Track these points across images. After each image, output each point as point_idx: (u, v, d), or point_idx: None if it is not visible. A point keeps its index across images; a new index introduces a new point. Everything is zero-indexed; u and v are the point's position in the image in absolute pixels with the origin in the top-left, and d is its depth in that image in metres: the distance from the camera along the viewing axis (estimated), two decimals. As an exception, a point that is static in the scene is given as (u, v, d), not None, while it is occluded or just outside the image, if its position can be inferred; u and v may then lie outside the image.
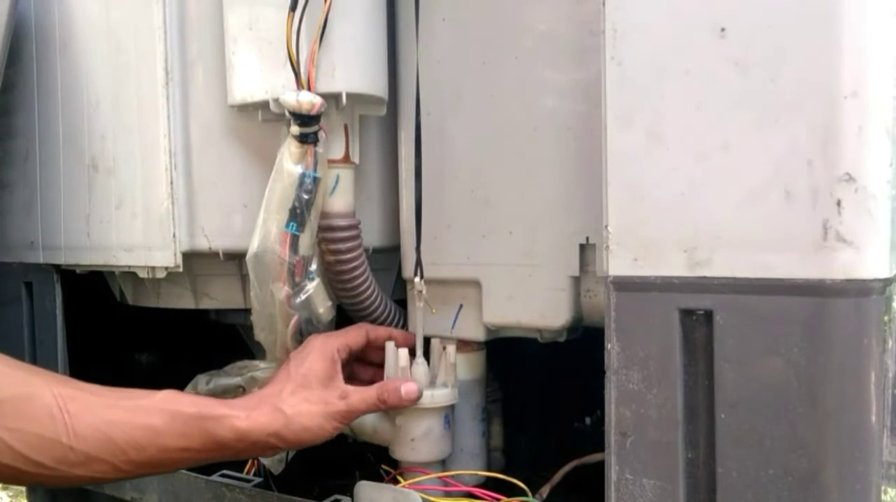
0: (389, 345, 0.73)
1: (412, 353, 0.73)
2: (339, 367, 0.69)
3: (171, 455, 0.61)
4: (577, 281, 0.67)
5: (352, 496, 0.71)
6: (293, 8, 0.64)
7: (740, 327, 0.49)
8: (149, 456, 0.60)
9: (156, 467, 0.62)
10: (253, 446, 0.63)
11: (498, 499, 0.69)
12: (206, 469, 0.79)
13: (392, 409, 0.70)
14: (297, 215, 0.67)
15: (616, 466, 0.53)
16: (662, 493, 0.52)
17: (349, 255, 0.71)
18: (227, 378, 0.79)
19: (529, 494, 0.71)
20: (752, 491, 0.49)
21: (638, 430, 0.52)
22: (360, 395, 0.67)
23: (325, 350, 0.69)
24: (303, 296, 0.69)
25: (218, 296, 0.83)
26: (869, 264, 0.46)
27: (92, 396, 0.60)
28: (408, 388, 0.69)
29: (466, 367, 0.76)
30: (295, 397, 0.65)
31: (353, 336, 0.72)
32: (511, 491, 0.71)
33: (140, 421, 0.60)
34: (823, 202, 0.46)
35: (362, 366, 0.76)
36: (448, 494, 0.74)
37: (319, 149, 0.67)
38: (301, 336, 0.71)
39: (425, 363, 0.73)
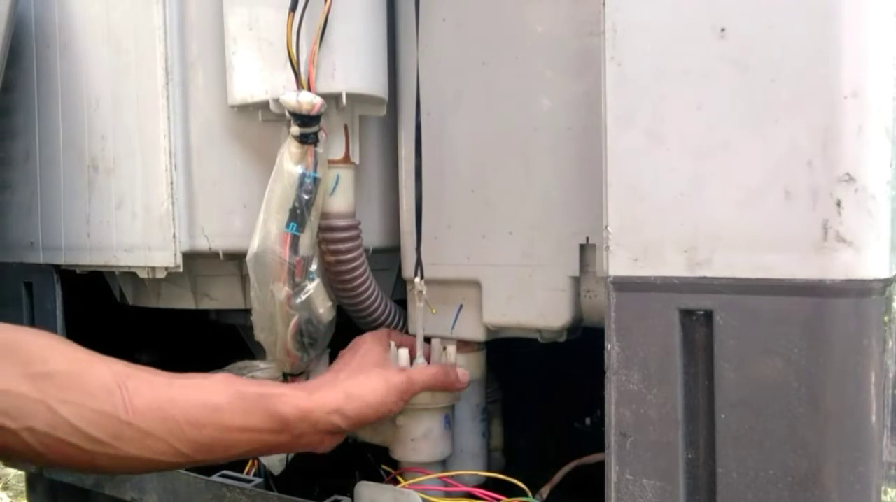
0: (390, 345, 0.73)
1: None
2: (389, 357, 0.71)
3: (230, 435, 0.59)
4: (577, 281, 0.67)
5: (352, 496, 0.71)
6: (293, 8, 0.64)
7: (740, 327, 0.49)
8: (208, 436, 0.58)
9: (213, 450, 0.59)
10: (314, 426, 0.62)
11: (498, 500, 0.69)
12: (207, 469, 0.79)
13: (444, 390, 0.71)
14: (298, 215, 0.67)
15: (616, 466, 0.53)
16: (662, 493, 0.52)
17: (349, 256, 0.71)
18: (228, 378, 0.79)
19: (529, 494, 0.71)
20: (752, 492, 0.49)
21: (638, 431, 0.52)
22: (420, 370, 0.69)
23: (377, 339, 0.72)
24: (303, 297, 0.69)
25: (218, 297, 0.83)
26: (869, 264, 0.46)
27: (150, 375, 0.58)
28: (463, 372, 0.72)
29: (466, 368, 0.76)
30: (353, 379, 0.66)
31: (387, 332, 0.75)
32: (511, 491, 0.71)
33: (200, 398, 0.58)
34: (823, 202, 0.46)
35: None
36: (448, 494, 0.74)
37: (319, 149, 0.67)
38: (301, 336, 0.71)
39: (425, 363, 0.73)
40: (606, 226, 0.54)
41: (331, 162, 0.70)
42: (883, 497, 0.49)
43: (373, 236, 0.78)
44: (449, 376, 0.70)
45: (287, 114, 0.65)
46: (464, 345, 0.75)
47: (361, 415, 0.64)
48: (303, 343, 0.72)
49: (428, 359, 0.74)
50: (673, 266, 0.51)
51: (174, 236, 0.73)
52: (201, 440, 0.58)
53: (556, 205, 0.66)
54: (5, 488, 2.48)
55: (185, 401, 0.58)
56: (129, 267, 0.79)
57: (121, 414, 0.55)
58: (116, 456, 0.55)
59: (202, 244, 0.75)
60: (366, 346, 0.70)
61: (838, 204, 0.46)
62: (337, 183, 0.70)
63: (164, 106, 0.73)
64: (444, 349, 0.73)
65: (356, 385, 0.65)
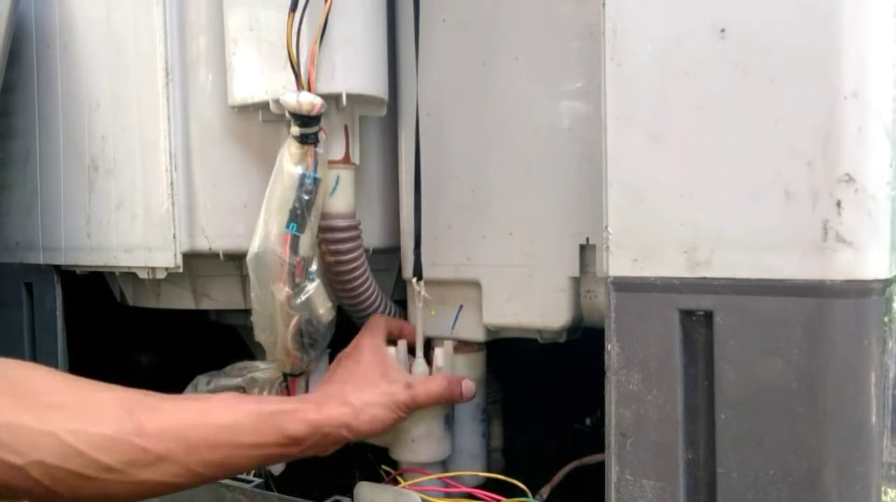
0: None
1: (411, 351, 0.73)
2: (393, 361, 0.71)
3: (243, 452, 0.59)
4: (577, 281, 0.67)
5: (352, 496, 0.71)
6: (293, 9, 0.64)
7: (740, 328, 0.49)
8: (221, 456, 0.58)
9: (227, 468, 0.60)
10: (324, 439, 0.64)
11: (498, 500, 0.69)
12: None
13: (450, 402, 0.72)
14: (298, 216, 0.67)
15: (616, 467, 0.53)
16: (662, 494, 0.52)
17: (349, 256, 0.71)
18: (228, 379, 0.79)
19: (529, 495, 0.71)
20: (752, 492, 0.49)
21: (638, 431, 0.52)
22: (425, 387, 0.69)
23: (375, 346, 0.72)
24: (303, 297, 0.69)
25: (218, 297, 0.83)
26: (869, 265, 0.46)
27: (157, 400, 0.58)
28: (468, 384, 0.72)
29: (466, 368, 0.76)
30: (360, 391, 0.67)
31: (388, 323, 0.75)
32: (511, 491, 0.71)
33: (211, 419, 0.59)
34: (823, 203, 0.46)
35: None
36: (448, 495, 0.74)
37: (320, 149, 0.67)
38: (301, 336, 0.71)
39: (425, 363, 0.73)
40: (606, 227, 0.54)
41: (331, 162, 0.70)
42: (883, 497, 0.48)
43: (373, 236, 0.78)
44: (454, 392, 0.71)
45: (287, 114, 0.65)
46: (464, 345, 0.75)
47: (369, 429, 0.66)
48: (303, 343, 0.72)
49: (429, 360, 0.74)
50: (673, 266, 0.51)
51: (174, 236, 0.73)
52: (216, 460, 0.58)
53: (556, 205, 0.66)
54: (5, 488, 2.48)
55: (198, 423, 0.58)
56: (129, 267, 0.79)
57: (135, 440, 0.54)
58: (131, 482, 0.54)
59: (202, 244, 0.75)
60: (366, 356, 0.70)
61: (838, 204, 0.46)
62: (337, 183, 0.70)
63: (164, 106, 0.73)
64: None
65: (363, 399, 0.66)
